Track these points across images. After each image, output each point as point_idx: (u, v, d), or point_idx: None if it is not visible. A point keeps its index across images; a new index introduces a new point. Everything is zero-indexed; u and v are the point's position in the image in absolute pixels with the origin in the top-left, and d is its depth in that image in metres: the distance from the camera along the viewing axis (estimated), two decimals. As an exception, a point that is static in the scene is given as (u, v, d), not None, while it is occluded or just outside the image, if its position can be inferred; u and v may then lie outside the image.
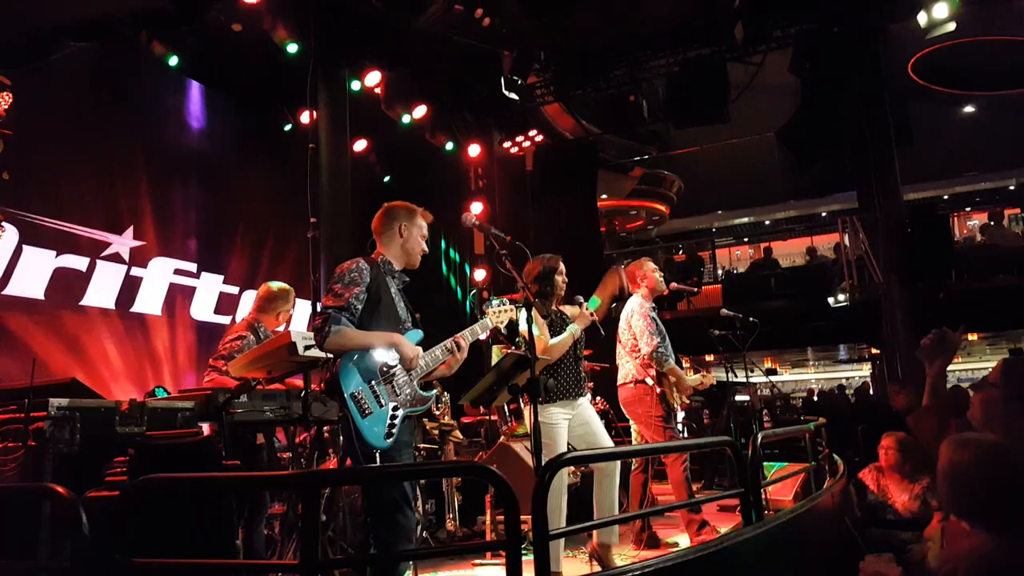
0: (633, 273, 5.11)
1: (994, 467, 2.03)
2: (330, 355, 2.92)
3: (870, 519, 4.54)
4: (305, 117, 7.65)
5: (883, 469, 4.65)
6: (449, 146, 9.97)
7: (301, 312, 8.08)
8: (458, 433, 6.09)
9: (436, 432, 5.75)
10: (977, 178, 20.89)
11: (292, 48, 7.20)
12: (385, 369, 2.93)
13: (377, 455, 2.82)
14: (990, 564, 1.91)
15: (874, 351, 14.73)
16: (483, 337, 3.29)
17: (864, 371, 20.95)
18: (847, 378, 22.64)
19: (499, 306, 3.33)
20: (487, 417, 6.62)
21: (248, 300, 7.40)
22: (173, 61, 6.97)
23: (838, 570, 3.49)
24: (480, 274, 10.00)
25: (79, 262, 6.26)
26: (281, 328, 4.31)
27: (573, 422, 4.08)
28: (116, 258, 6.54)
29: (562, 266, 4.25)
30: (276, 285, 4.37)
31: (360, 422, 2.78)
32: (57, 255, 6.10)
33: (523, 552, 2.08)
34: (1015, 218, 15.97)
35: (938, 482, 2.17)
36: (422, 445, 5.44)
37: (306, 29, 6.98)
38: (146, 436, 3.04)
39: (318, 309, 2.98)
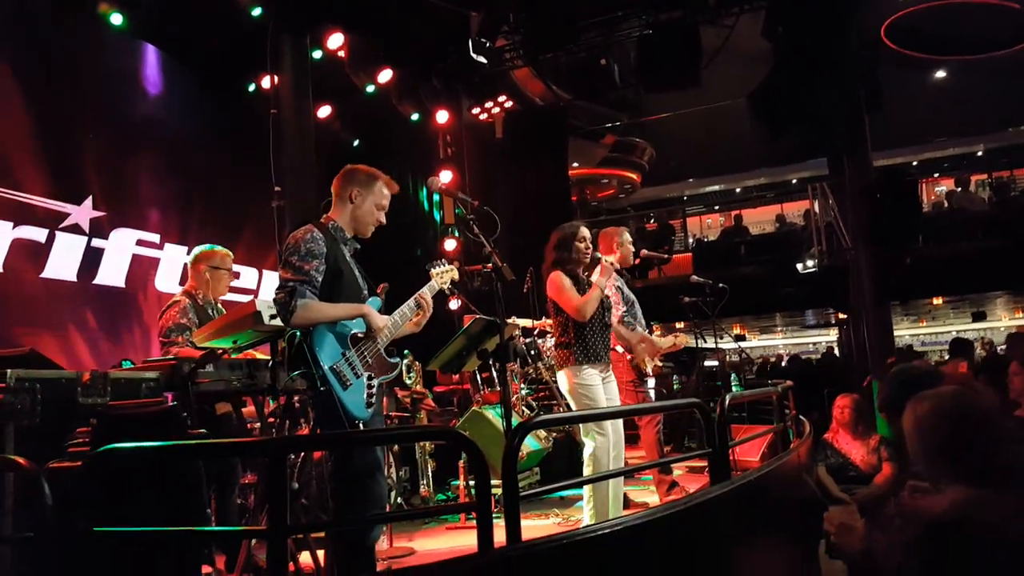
0: (610, 239, 5.11)
1: (956, 415, 2.02)
2: (295, 328, 2.84)
3: (834, 476, 4.73)
4: (266, 82, 7.46)
5: (839, 428, 4.89)
6: (415, 116, 9.79)
7: (269, 283, 8.01)
8: (430, 401, 6.10)
9: (408, 400, 5.75)
10: (946, 144, 21.18)
11: (256, 12, 6.98)
12: (356, 339, 2.90)
13: (360, 425, 2.81)
14: (963, 516, 1.88)
15: (841, 316, 15.00)
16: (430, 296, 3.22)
17: (831, 336, 21.35)
18: (814, 343, 23.08)
19: (441, 267, 3.34)
20: (460, 386, 6.64)
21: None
22: (117, 20, 6.66)
23: (804, 526, 3.58)
24: (450, 244, 9.93)
25: (37, 233, 6.09)
26: (220, 290, 4.28)
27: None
28: (76, 229, 6.37)
29: (584, 232, 4.23)
30: (199, 247, 4.35)
31: (342, 394, 2.75)
32: (14, 227, 5.93)
33: (495, 515, 2.09)
34: (982, 184, 16.25)
35: (907, 442, 2.16)
36: (394, 413, 5.44)
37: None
38: (109, 406, 2.98)
39: (279, 282, 2.90)
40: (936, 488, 2.05)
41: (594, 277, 4.15)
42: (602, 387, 4.07)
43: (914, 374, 2.42)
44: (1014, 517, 1.83)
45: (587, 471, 3.88)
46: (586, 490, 3.96)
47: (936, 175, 20.09)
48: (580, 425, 4.04)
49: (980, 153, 21.55)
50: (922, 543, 1.92)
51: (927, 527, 1.92)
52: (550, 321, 4.31)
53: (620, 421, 4.18)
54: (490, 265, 3.22)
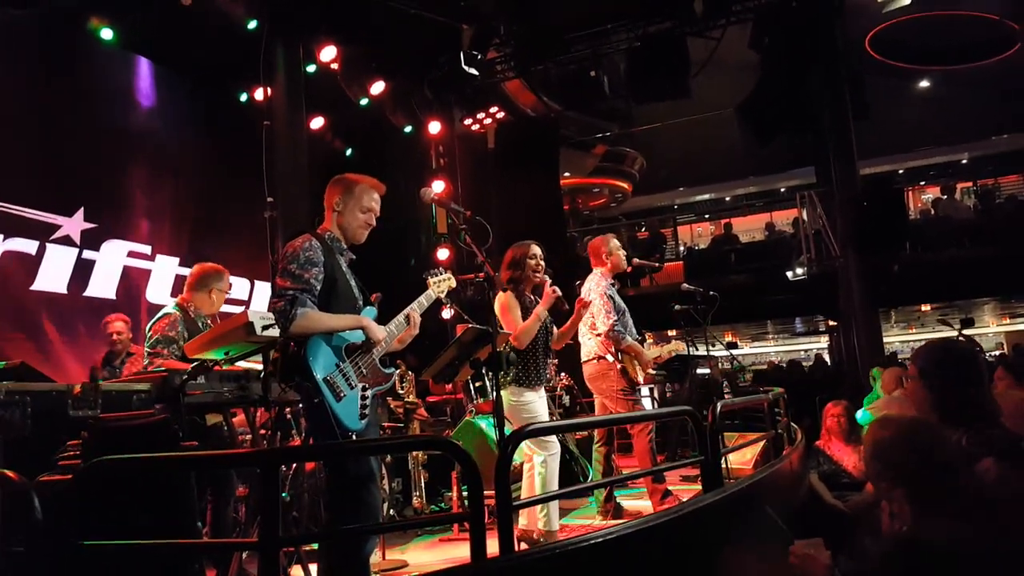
0: (598, 248, 5.15)
1: (913, 443, 2.05)
2: (293, 338, 2.82)
3: (827, 483, 4.73)
4: (259, 94, 7.47)
5: (831, 435, 4.91)
6: (408, 129, 9.83)
7: (261, 294, 7.99)
8: (423, 411, 6.09)
9: (401, 411, 5.74)
10: (931, 152, 21.35)
11: (251, 24, 7.01)
12: (350, 349, 2.89)
13: (353, 437, 2.80)
14: (911, 539, 1.94)
15: (831, 323, 15.07)
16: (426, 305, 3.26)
17: (822, 343, 21.43)
18: (805, 350, 23.16)
19: (438, 276, 3.36)
20: (453, 396, 6.63)
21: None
22: (108, 35, 6.68)
23: (796, 532, 3.59)
24: (443, 253, 9.94)
25: (28, 245, 6.07)
26: (216, 307, 4.29)
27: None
28: (67, 240, 6.35)
29: (535, 250, 4.31)
30: (208, 264, 4.37)
31: (336, 406, 2.72)
32: (4, 238, 5.91)
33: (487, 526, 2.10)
34: (967, 191, 16.39)
35: (864, 460, 2.21)
36: (387, 424, 5.43)
37: (259, 1, 6.80)
38: (100, 418, 2.97)
39: (275, 291, 2.88)
40: (891, 511, 2.09)
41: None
42: (545, 401, 4.21)
43: (957, 352, 2.47)
44: (967, 540, 1.87)
45: (537, 481, 3.99)
46: (525, 490, 4.07)
47: (922, 183, 20.25)
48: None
49: (965, 161, 21.75)
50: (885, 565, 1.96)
51: (889, 550, 1.97)
52: None
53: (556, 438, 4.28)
54: (483, 274, 3.23)
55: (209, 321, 4.30)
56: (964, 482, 2.01)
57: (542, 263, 4.30)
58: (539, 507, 4.03)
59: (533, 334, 4.12)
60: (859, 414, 5.16)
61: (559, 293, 4.14)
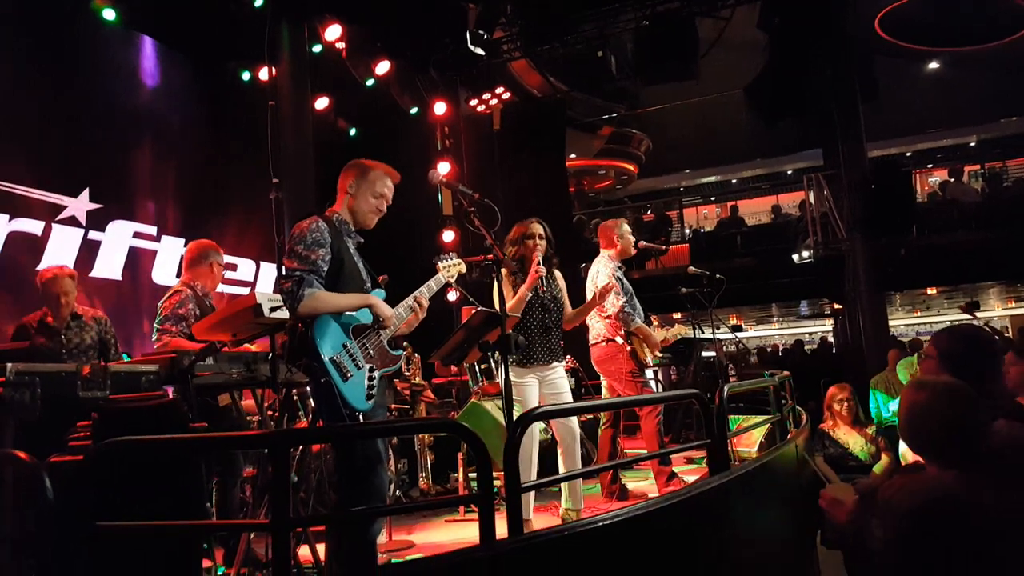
0: (610, 231, 5.13)
1: (949, 407, 2.10)
2: (301, 319, 2.83)
3: (834, 467, 4.75)
4: (264, 74, 7.42)
5: (837, 418, 4.91)
6: (414, 110, 9.77)
7: (266, 275, 7.99)
8: (430, 393, 6.11)
9: (408, 392, 5.76)
10: (939, 135, 21.20)
11: (258, 2, 6.95)
12: (358, 330, 2.89)
13: (360, 417, 2.80)
14: (941, 496, 1.99)
15: (836, 306, 15.05)
16: (435, 289, 3.27)
17: (827, 326, 21.42)
18: (810, 333, 23.16)
19: (448, 261, 3.38)
20: (458, 377, 6.64)
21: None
22: (110, 15, 6.63)
23: (800, 515, 3.60)
24: (449, 235, 9.92)
25: (34, 226, 6.06)
26: (217, 281, 4.33)
27: (544, 388, 4.20)
28: (72, 221, 6.34)
29: (534, 229, 4.27)
30: (201, 240, 4.42)
31: (342, 386, 2.73)
32: (10, 219, 5.90)
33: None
34: (975, 174, 16.29)
35: (899, 423, 2.24)
36: (394, 405, 5.45)
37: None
38: (109, 400, 2.98)
39: (282, 272, 2.88)
40: (925, 470, 2.14)
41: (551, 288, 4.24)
42: (536, 385, 4.17)
43: (979, 338, 2.51)
44: (998, 498, 1.93)
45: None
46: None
47: (930, 166, 20.12)
48: None
49: (973, 144, 21.59)
50: (907, 525, 2.00)
51: (913, 510, 2.00)
52: None
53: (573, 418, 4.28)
54: (490, 256, 3.22)
55: (212, 300, 4.30)
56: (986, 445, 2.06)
57: (541, 242, 4.25)
58: (565, 486, 4.05)
59: (519, 307, 4.07)
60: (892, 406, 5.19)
61: (542, 272, 4.11)
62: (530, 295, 4.13)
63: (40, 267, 5.99)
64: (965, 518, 1.94)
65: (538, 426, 4.05)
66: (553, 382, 4.25)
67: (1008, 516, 1.92)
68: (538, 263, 4.10)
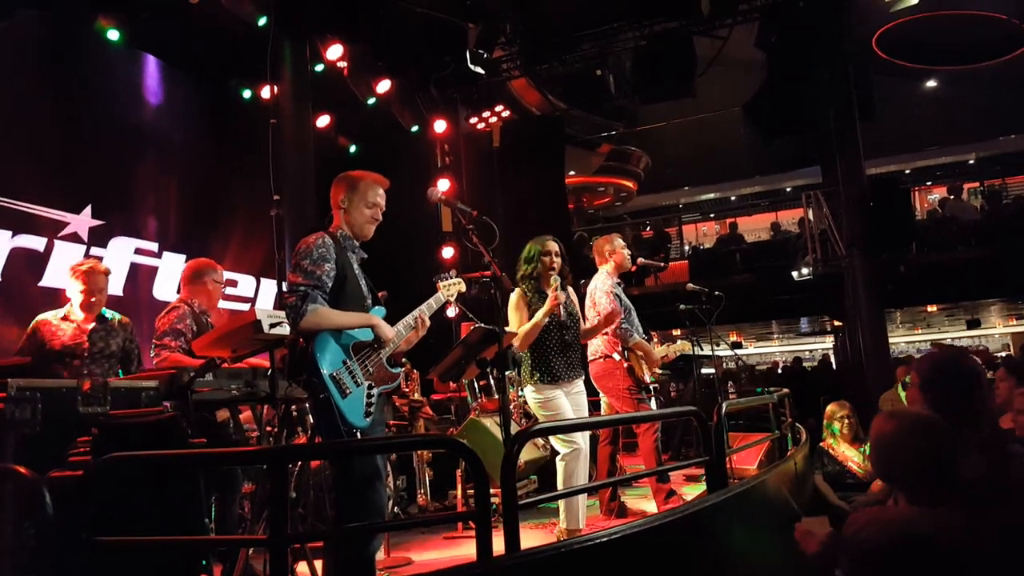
0: (602, 247, 5.17)
1: (922, 439, 2.08)
2: (303, 334, 2.83)
3: (832, 484, 4.75)
4: (266, 92, 7.49)
5: (837, 436, 4.91)
6: (414, 128, 9.85)
7: (267, 291, 8.02)
8: (428, 409, 6.11)
9: (406, 409, 5.76)
10: (938, 152, 21.29)
11: (261, 21, 7.03)
12: (357, 347, 2.91)
13: (358, 435, 2.81)
14: (907, 533, 1.98)
15: (836, 323, 15.05)
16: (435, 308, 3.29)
17: (827, 343, 21.38)
18: (810, 350, 23.12)
19: (448, 280, 3.40)
20: (457, 394, 6.64)
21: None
22: (114, 36, 6.72)
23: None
24: (448, 252, 9.95)
25: (36, 242, 6.10)
26: (215, 299, 4.33)
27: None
28: (75, 238, 6.37)
29: (551, 246, 4.30)
30: (197, 259, 4.46)
31: (341, 403, 2.74)
32: (13, 235, 5.94)
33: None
34: (974, 192, 16.33)
35: (870, 453, 2.24)
36: (392, 422, 5.45)
37: (265, 1, 6.81)
38: (109, 415, 2.99)
39: (284, 287, 2.90)
40: (894, 504, 2.14)
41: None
42: (564, 398, 4.19)
43: (959, 365, 2.48)
44: (967, 533, 1.92)
45: (559, 476, 4.03)
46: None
47: (929, 183, 20.18)
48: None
49: (972, 161, 21.68)
50: (873, 561, 2.01)
51: (878, 548, 2.00)
52: None
53: (587, 435, 4.27)
54: (488, 273, 3.25)
55: (210, 318, 4.32)
56: (960, 476, 2.04)
57: (557, 260, 4.28)
58: (562, 504, 4.05)
59: (532, 339, 4.14)
60: None
61: (562, 299, 4.15)
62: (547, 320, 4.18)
63: (43, 283, 6.04)
64: (930, 557, 1.93)
65: (585, 450, 4.07)
66: (575, 399, 4.28)
67: (976, 550, 1.90)
68: (556, 289, 4.14)
